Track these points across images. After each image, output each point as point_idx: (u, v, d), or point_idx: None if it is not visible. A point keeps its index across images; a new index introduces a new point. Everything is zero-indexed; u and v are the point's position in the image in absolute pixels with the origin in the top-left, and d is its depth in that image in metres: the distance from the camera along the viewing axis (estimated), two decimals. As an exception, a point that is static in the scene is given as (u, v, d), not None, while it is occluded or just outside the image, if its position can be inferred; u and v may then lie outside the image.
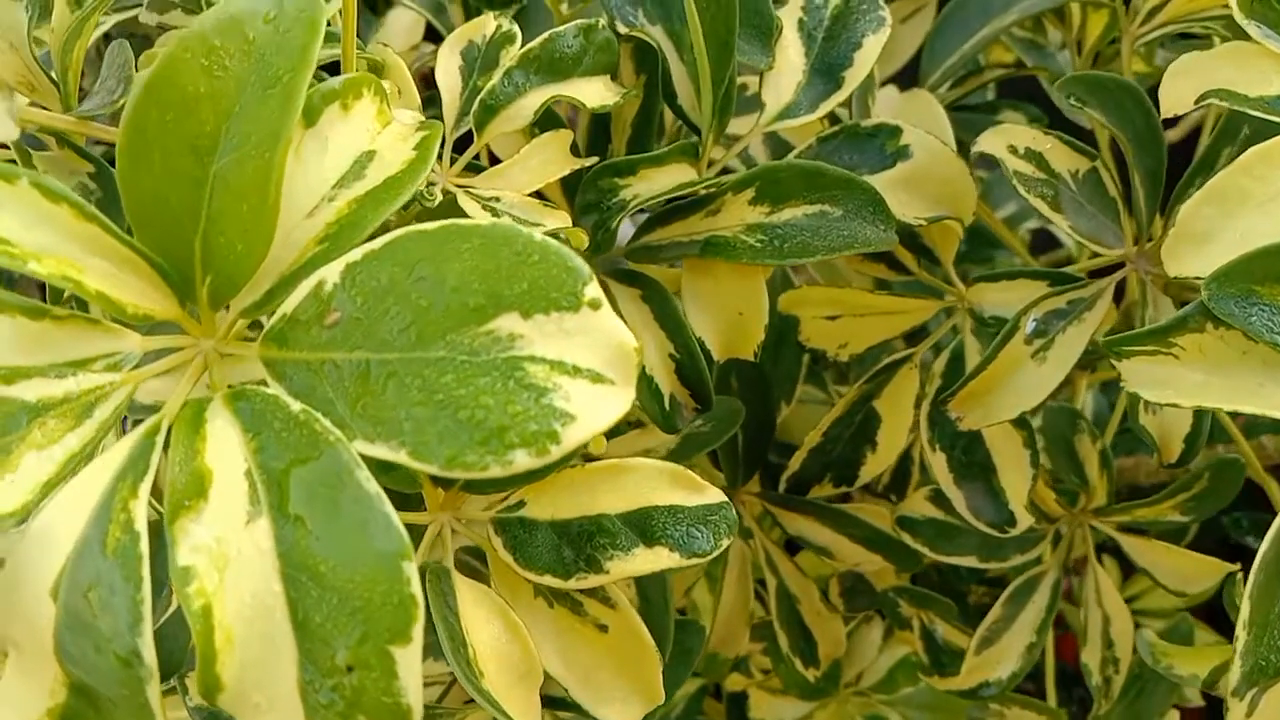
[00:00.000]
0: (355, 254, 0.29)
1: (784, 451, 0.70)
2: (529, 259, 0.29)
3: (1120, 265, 0.48)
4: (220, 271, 0.30)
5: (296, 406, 0.28)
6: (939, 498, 0.56)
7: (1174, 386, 0.36)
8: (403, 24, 0.67)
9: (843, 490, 0.60)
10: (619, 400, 0.28)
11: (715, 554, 0.37)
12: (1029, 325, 0.47)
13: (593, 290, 0.29)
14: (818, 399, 0.72)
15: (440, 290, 0.29)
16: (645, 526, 0.37)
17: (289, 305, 0.30)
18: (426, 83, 0.68)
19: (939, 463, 0.53)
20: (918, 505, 0.59)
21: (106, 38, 0.51)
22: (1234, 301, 0.34)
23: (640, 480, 0.38)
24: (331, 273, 0.29)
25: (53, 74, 0.44)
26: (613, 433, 0.59)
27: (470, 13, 0.57)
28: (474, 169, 0.46)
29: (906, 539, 0.59)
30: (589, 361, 0.28)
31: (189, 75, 0.28)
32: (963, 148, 0.65)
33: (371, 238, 0.30)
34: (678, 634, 0.56)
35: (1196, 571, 0.55)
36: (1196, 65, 0.40)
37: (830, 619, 0.66)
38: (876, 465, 0.58)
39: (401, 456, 0.28)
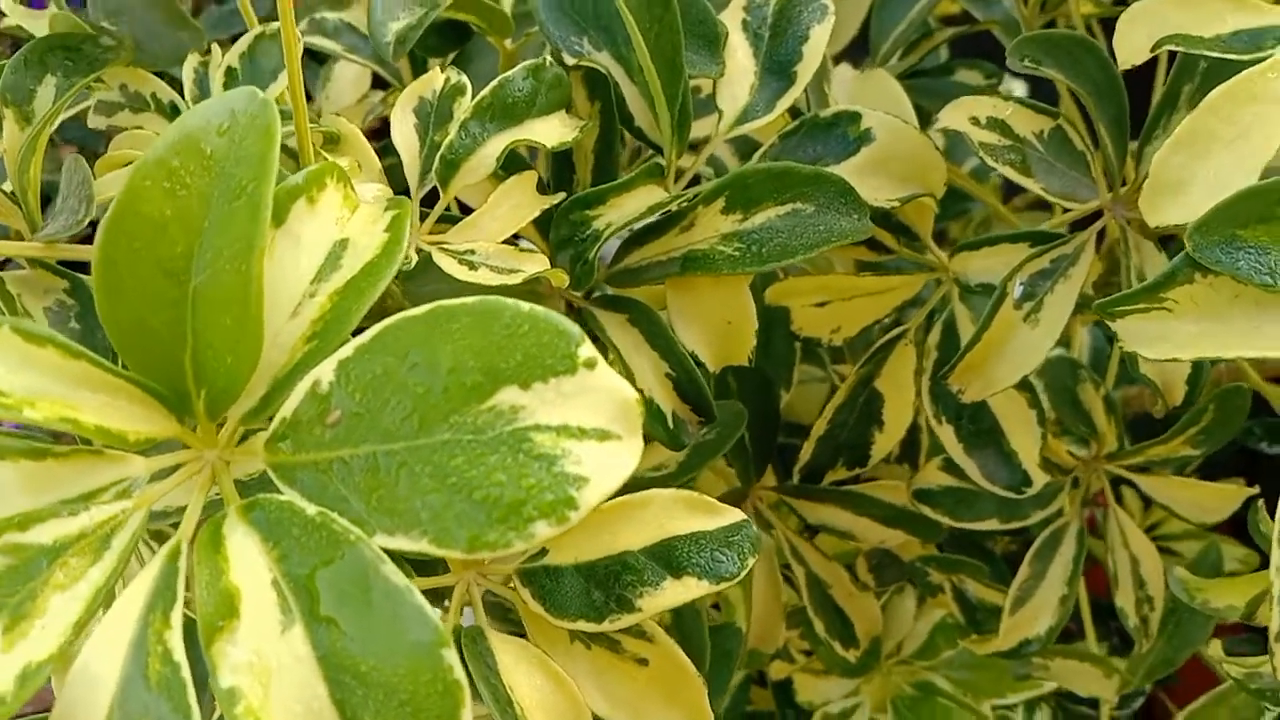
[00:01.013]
0: (346, 349, 0.29)
1: (792, 432, 0.70)
2: (519, 330, 0.29)
3: (1098, 214, 0.48)
4: (214, 385, 0.30)
5: (312, 510, 0.29)
6: (952, 465, 0.56)
7: (1171, 340, 0.36)
8: (348, 76, 0.67)
9: (856, 472, 0.60)
10: (629, 454, 0.28)
11: (742, 575, 0.37)
12: (1017, 290, 0.47)
13: (586, 350, 0.29)
14: (817, 377, 0.72)
15: (436, 374, 0.29)
16: (670, 558, 0.38)
17: (288, 409, 0.30)
18: (380, 133, 0.68)
19: (947, 434, 0.53)
20: (932, 476, 0.59)
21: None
22: (1219, 249, 0.35)
23: (658, 512, 0.39)
24: (326, 371, 0.29)
25: (9, 190, 0.44)
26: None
27: (415, 60, 0.56)
28: (449, 219, 0.46)
29: (926, 511, 0.59)
30: (593, 420, 0.28)
31: (152, 201, 0.28)
32: (923, 114, 0.65)
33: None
34: (715, 638, 0.57)
35: (1215, 501, 0.56)
36: (1148, 11, 0.40)
37: (863, 597, 0.67)
38: (886, 443, 0.58)
39: (424, 545, 0.28)
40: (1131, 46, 0.40)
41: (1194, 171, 0.38)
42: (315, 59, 0.76)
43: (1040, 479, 0.52)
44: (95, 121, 0.46)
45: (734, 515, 0.38)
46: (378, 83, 0.68)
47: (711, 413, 0.48)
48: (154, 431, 0.31)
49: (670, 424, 0.48)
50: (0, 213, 0.45)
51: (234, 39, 0.47)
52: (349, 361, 0.29)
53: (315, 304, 0.31)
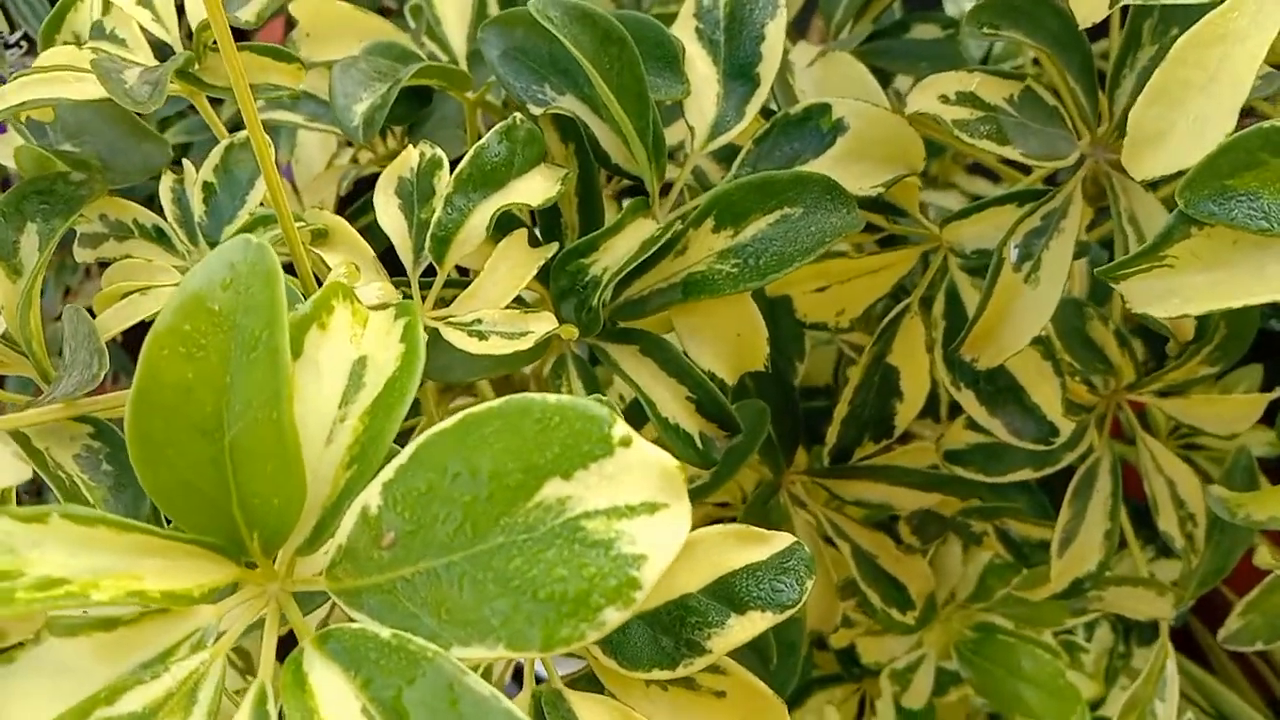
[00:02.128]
0: (388, 471, 0.30)
1: (808, 395, 0.71)
2: (551, 423, 0.29)
3: (1079, 162, 0.48)
4: (266, 527, 0.31)
5: (386, 632, 0.29)
6: (978, 423, 0.57)
7: (1179, 295, 0.36)
8: (314, 141, 0.67)
9: (884, 444, 0.61)
10: (680, 519, 0.29)
11: (804, 599, 0.38)
12: (1013, 253, 0.47)
13: (620, 429, 0.29)
14: (823, 340, 0.73)
15: (478, 480, 0.29)
16: (730, 595, 0.38)
17: (342, 536, 0.30)
18: (355, 195, 0.68)
19: (968, 399, 0.53)
20: (959, 435, 0.60)
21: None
22: (1211, 202, 0.35)
23: (709, 549, 0.39)
24: (373, 496, 0.30)
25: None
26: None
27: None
28: (454, 283, 0.46)
29: (958, 471, 0.60)
30: (640, 495, 0.29)
31: (173, 368, 0.29)
32: (884, 78, 0.66)
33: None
34: (778, 632, 0.57)
35: (1239, 412, 0.56)
36: (1103, -33, 0.40)
37: (910, 559, 0.67)
38: (909, 411, 0.59)
39: (500, 651, 0.29)
40: (1089, 4, 0.40)
41: (1172, 121, 0.38)
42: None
43: (1067, 427, 0.53)
44: (82, 255, 0.46)
45: (784, 540, 0.39)
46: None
47: (737, 425, 0.49)
48: (216, 581, 0.31)
49: (699, 445, 0.48)
50: (10, 366, 0.45)
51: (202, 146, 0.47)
52: (393, 483, 0.30)
53: (347, 428, 0.31)
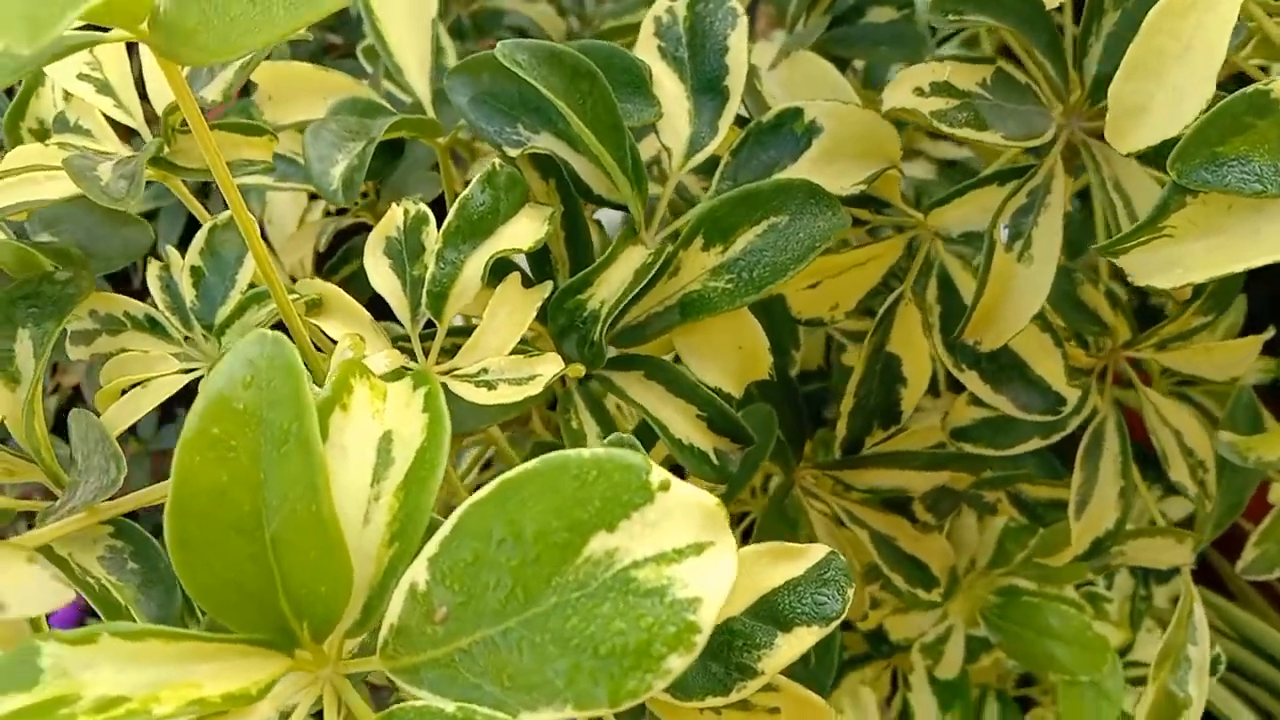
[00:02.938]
0: (431, 546, 0.30)
1: (804, 380, 0.71)
2: (589, 478, 0.29)
3: (1057, 135, 0.49)
4: (314, 616, 0.31)
5: (451, 707, 0.29)
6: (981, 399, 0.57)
7: (1181, 265, 0.37)
8: (285, 199, 0.66)
9: (893, 430, 0.61)
10: (727, 555, 0.29)
11: (847, 607, 0.38)
12: (1003, 234, 0.47)
13: (657, 475, 0.29)
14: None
15: (524, 543, 0.29)
16: (774, 614, 0.38)
17: (393, 615, 0.30)
18: (332, 250, 0.68)
19: (972, 379, 0.54)
20: (964, 412, 0.60)
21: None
22: (1203, 170, 0.35)
23: (747, 570, 0.39)
24: (419, 573, 0.30)
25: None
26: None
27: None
28: (459, 330, 0.46)
29: (966, 448, 0.60)
30: (685, 538, 0.29)
31: (205, 473, 0.29)
32: (844, 66, 0.66)
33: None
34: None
35: (1235, 355, 0.57)
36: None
37: (928, 537, 0.68)
38: (914, 396, 0.59)
39: (567, 712, 0.29)
40: (1053, -15, 0.40)
41: (1151, 93, 0.38)
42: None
43: (1073, 395, 0.53)
44: (76, 354, 0.46)
45: (819, 551, 0.39)
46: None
47: (750, 437, 0.49)
48: (271, 675, 0.31)
49: (715, 460, 0.49)
50: (20, 473, 0.45)
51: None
52: (438, 557, 0.30)
53: (383, 506, 0.31)
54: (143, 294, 0.48)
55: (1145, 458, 0.76)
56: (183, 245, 0.54)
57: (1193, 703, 0.65)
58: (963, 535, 0.78)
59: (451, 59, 0.64)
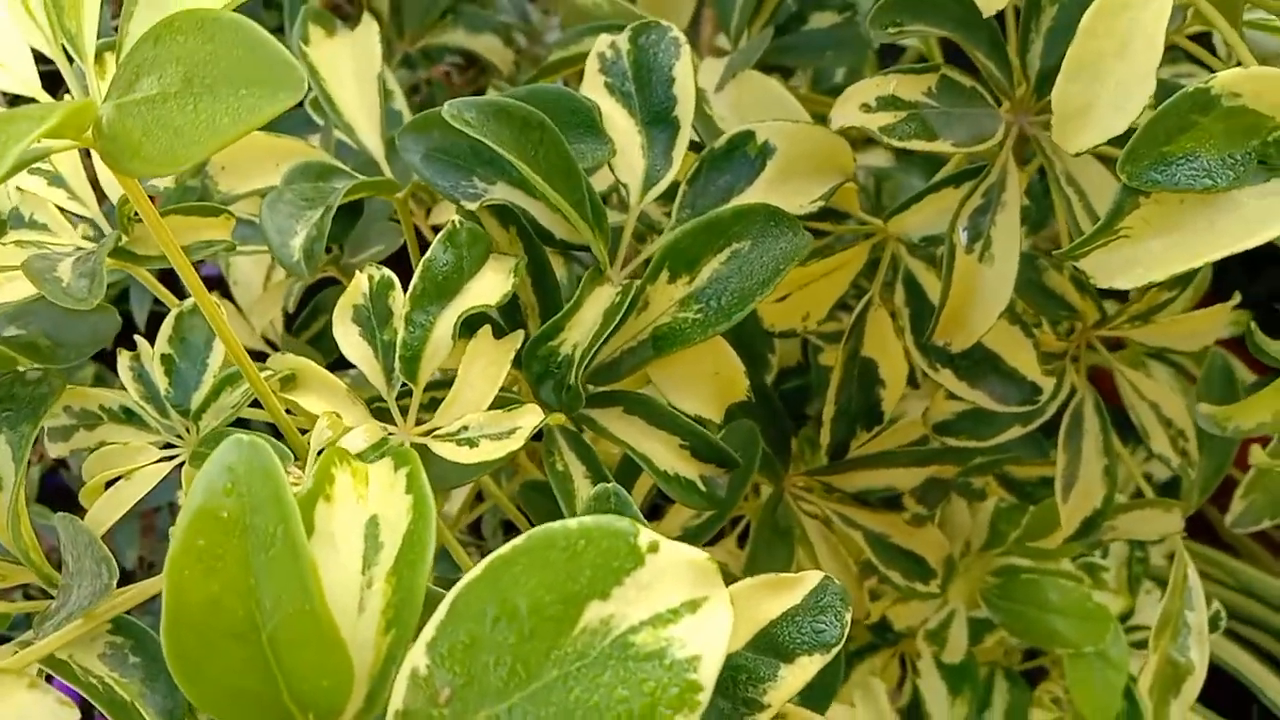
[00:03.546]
0: (429, 630, 0.30)
1: (782, 378, 0.72)
2: (577, 548, 0.29)
3: (1006, 132, 0.49)
4: (318, 709, 0.31)
5: (463, 789, 0.29)
6: (958, 392, 0.58)
7: (1141, 264, 0.37)
8: (248, 261, 0.66)
9: (877, 431, 0.61)
10: (721, 608, 0.30)
11: (847, 631, 0.38)
12: (962, 236, 0.48)
13: (645, 537, 0.30)
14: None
15: (519, 620, 0.29)
16: (775, 646, 0.39)
17: (397, 701, 0.30)
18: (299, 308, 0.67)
19: (947, 378, 0.54)
20: (944, 407, 0.61)
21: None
22: (1152, 171, 0.36)
23: (744, 605, 0.39)
24: (419, 657, 0.30)
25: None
26: (650, 514, 0.60)
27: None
28: (435, 383, 0.46)
29: (950, 442, 0.61)
30: (678, 596, 0.29)
31: (195, 586, 0.29)
32: (787, 73, 0.66)
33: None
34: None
35: (1203, 326, 0.58)
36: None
37: (922, 530, 0.68)
38: (893, 395, 0.60)
39: (581, 782, 0.29)
40: (988, -6, 0.41)
41: (1095, 92, 0.39)
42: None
43: (1048, 384, 0.54)
44: (55, 450, 0.46)
45: (813, 578, 0.39)
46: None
47: (735, 460, 0.49)
48: (282, 772, 0.31)
49: (703, 488, 0.49)
50: (8, 576, 0.44)
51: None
52: (436, 640, 0.30)
53: (376, 593, 0.32)
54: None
55: (1124, 423, 0.77)
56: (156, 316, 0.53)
57: (1195, 668, 0.66)
58: (955, 520, 0.78)
59: (400, 102, 0.64)
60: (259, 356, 0.64)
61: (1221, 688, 0.97)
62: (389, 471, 0.33)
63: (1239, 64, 0.63)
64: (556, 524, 0.29)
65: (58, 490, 0.97)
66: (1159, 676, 0.65)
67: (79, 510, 0.43)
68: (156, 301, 0.84)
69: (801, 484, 0.66)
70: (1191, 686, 0.66)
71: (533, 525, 0.55)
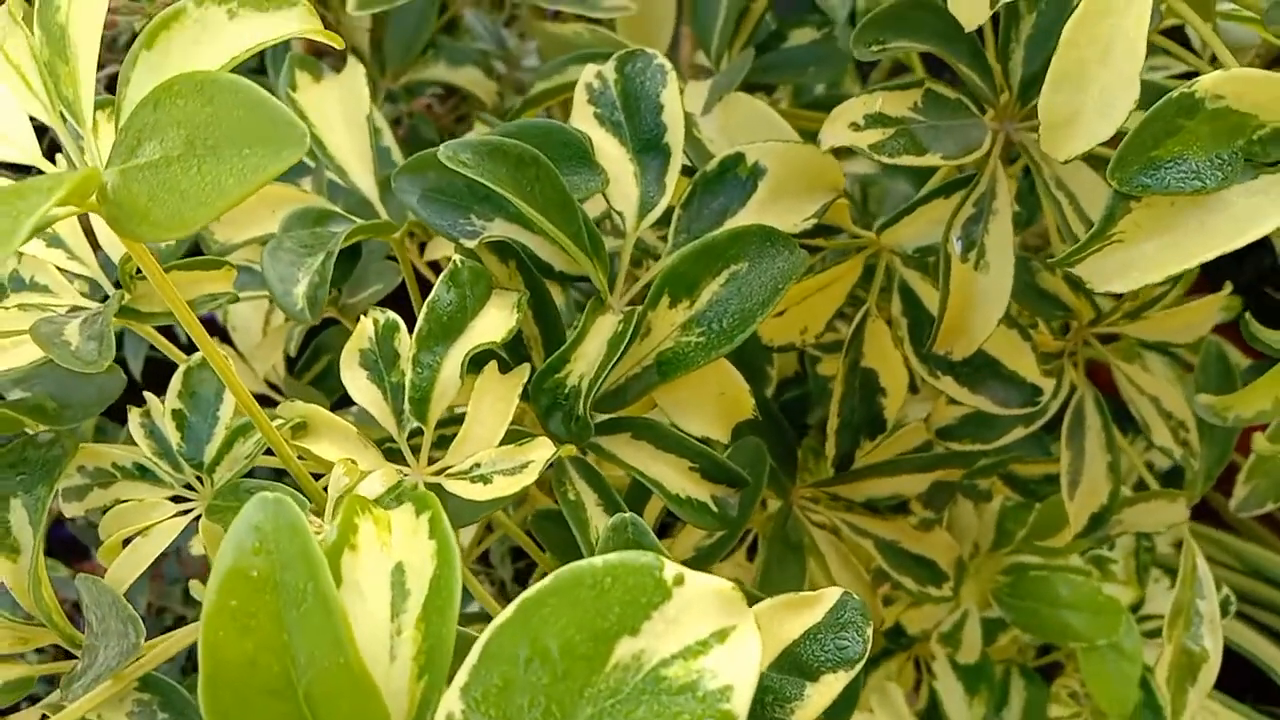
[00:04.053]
0: (461, 676, 0.30)
1: (782, 389, 0.73)
2: (604, 586, 0.30)
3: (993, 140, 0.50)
4: (356, 760, 0.31)
5: (504, 831, 0.30)
6: (959, 396, 0.58)
7: (1136, 267, 0.38)
8: (246, 306, 0.66)
9: (881, 439, 0.62)
10: (749, 636, 0.30)
11: (869, 646, 0.39)
12: (956, 245, 0.48)
13: (670, 570, 0.30)
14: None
15: (551, 660, 0.30)
16: (799, 665, 0.39)
17: (434, 748, 0.31)
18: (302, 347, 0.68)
19: (949, 385, 0.55)
20: (946, 412, 0.61)
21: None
22: (1142, 176, 0.36)
23: (766, 625, 0.40)
24: (453, 702, 0.30)
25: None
26: (663, 532, 0.60)
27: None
28: (445, 420, 0.46)
29: (953, 446, 0.61)
30: (708, 627, 0.30)
31: (230, 645, 0.29)
32: (769, 89, 0.66)
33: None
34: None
35: (1196, 318, 0.58)
36: (971, -31, 0.41)
37: (931, 535, 0.69)
38: (895, 403, 0.60)
39: (620, 821, 0.29)
40: (969, 7, 0.41)
41: (1081, 101, 0.39)
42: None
43: (1048, 385, 0.54)
44: (71, 510, 0.46)
45: (833, 595, 0.39)
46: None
47: (745, 479, 0.50)
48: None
49: (715, 509, 0.49)
50: (31, 639, 0.45)
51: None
52: (470, 685, 0.30)
53: (407, 640, 0.32)
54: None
55: (1122, 413, 0.77)
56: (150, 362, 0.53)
57: (1209, 656, 0.67)
58: (962, 522, 0.79)
59: (388, 138, 0.64)
60: (262, 400, 0.65)
61: (1235, 672, 0.97)
62: (410, 517, 0.34)
63: (1214, 59, 0.64)
64: (583, 563, 0.30)
65: (63, 543, 0.97)
66: (1175, 667, 0.65)
67: (85, 560, 0.43)
68: (151, 348, 0.84)
69: (808, 495, 0.66)
70: (1207, 674, 0.67)
71: (545, 553, 0.56)
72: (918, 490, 0.64)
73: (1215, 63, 0.63)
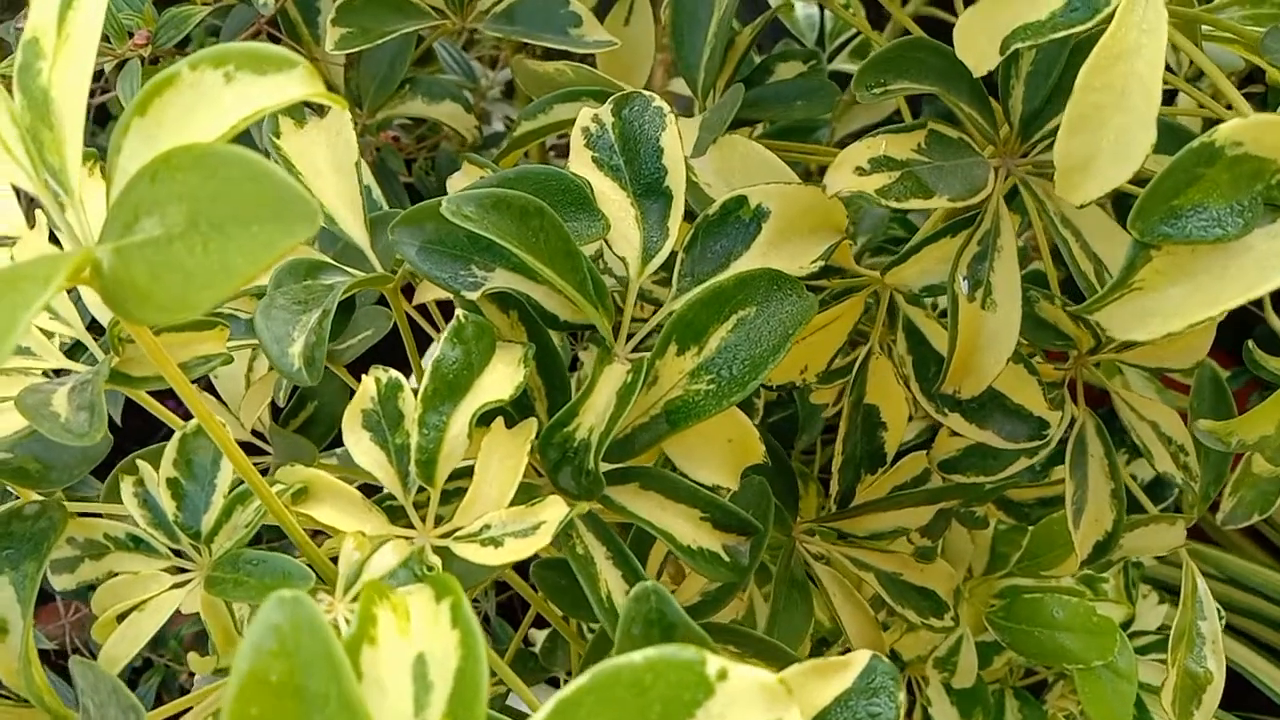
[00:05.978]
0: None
1: (771, 410, 0.72)
2: (644, 683, 0.29)
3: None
4: None
5: None
6: (961, 429, 0.57)
7: (1157, 315, 0.37)
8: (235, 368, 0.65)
9: (881, 473, 0.61)
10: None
11: (901, 711, 0.38)
12: (963, 285, 0.48)
13: (713, 665, 0.29)
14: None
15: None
16: (832, 730, 0.38)
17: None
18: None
19: (957, 422, 0.54)
20: (948, 444, 0.61)
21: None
22: (1163, 225, 0.36)
23: (796, 694, 0.39)
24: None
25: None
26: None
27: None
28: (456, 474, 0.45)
29: (956, 479, 0.61)
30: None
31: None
32: (752, 125, 0.66)
33: None
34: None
35: (1195, 342, 0.58)
36: (982, 15, 0.40)
37: (931, 567, 0.68)
38: (895, 438, 0.60)
39: None
40: (979, 53, 0.41)
41: (1096, 145, 0.39)
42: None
43: (1054, 418, 0.54)
44: (61, 583, 0.44)
45: (862, 659, 0.38)
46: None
47: (754, 525, 0.49)
48: None
49: (726, 558, 0.48)
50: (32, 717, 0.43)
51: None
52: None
53: (433, 735, 0.31)
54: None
55: (1112, 429, 0.77)
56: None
57: (1214, 677, 0.66)
58: (956, 547, 0.78)
59: (368, 177, 0.63)
60: (248, 449, 0.63)
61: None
62: (430, 602, 0.32)
63: (1191, 77, 0.64)
64: (622, 659, 0.29)
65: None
66: (1180, 690, 0.65)
67: (47, 602, 0.42)
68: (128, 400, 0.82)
69: (807, 529, 0.65)
70: (1211, 696, 0.66)
71: (549, 604, 0.54)
72: (921, 523, 0.64)
73: (1196, 81, 0.64)
